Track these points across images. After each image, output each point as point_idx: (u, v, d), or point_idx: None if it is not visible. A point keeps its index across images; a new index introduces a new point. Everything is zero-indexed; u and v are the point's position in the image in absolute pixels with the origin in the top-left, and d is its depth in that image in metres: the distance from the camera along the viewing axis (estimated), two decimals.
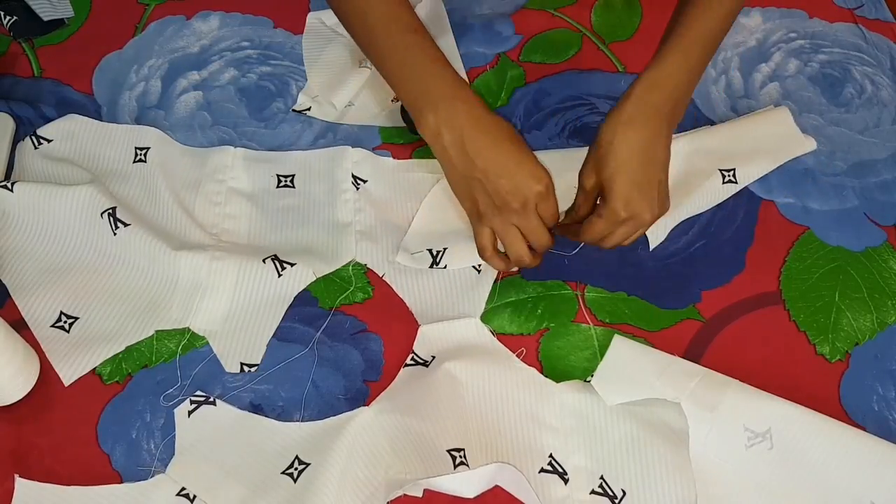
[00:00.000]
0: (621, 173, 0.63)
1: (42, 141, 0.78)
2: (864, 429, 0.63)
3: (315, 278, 0.70)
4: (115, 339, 0.67)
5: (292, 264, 0.70)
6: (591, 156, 0.65)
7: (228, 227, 0.74)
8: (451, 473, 0.58)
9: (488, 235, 0.66)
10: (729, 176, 0.76)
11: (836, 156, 0.80)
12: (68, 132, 0.79)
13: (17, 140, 0.79)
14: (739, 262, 0.73)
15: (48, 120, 0.80)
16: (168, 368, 0.66)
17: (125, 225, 0.70)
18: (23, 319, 0.68)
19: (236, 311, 0.68)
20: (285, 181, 0.77)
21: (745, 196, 0.77)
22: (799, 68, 0.87)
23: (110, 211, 0.71)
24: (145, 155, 0.78)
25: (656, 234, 0.74)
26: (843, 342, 0.69)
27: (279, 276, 0.70)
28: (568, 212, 0.69)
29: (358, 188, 0.76)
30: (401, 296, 0.70)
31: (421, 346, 0.67)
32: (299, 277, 0.70)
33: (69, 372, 0.65)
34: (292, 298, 0.69)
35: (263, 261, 0.70)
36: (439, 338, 0.67)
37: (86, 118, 0.80)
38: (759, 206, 0.76)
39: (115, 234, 0.71)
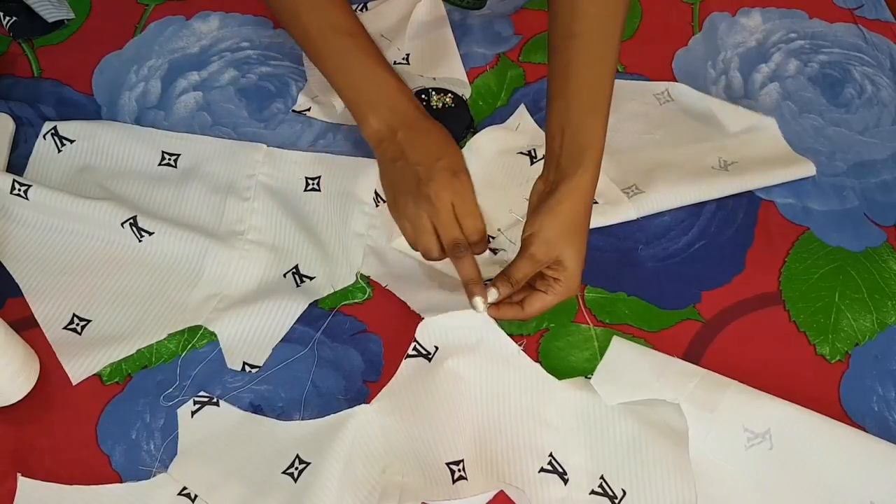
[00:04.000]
0: (581, 249, 0.63)
1: (65, 142, 0.78)
2: (864, 429, 0.63)
3: (332, 291, 0.70)
4: (126, 342, 0.67)
5: (311, 278, 0.71)
6: (553, 227, 0.62)
7: (255, 224, 0.74)
8: (450, 492, 0.58)
9: (407, 229, 0.67)
10: (723, 164, 0.77)
11: (836, 156, 0.80)
12: (91, 132, 0.79)
13: (17, 139, 0.79)
14: (739, 263, 0.73)
15: (48, 120, 0.80)
16: (168, 369, 0.66)
17: (149, 234, 0.71)
18: (23, 319, 0.68)
19: (251, 312, 0.68)
20: (312, 184, 0.77)
21: (745, 196, 0.77)
22: (799, 69, 0.87)
23: (131, 221, 0.71)
24: (175, 161, 0.78)
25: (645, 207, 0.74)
26: (843, 343, 0.69)
27: (297, 286, 0.71)
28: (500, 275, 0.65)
29: (378, 206, 0.75)
30: (405, 300, 0.70)
31: (423, 336, 0.66)
32: (316, 289, 0.71)
33: (78, 371, 0.65)
34: (306, 306, 0.69)
35: (284, 275, 0.71)
36: (442, 328, 0.66)
37: (112, 122, 0.81)
38: (759, 207, 0.76)
39: (140, 242, 0.71)
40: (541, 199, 0.64)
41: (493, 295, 0.64)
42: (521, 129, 0.80)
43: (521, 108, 0.81)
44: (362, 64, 0.67)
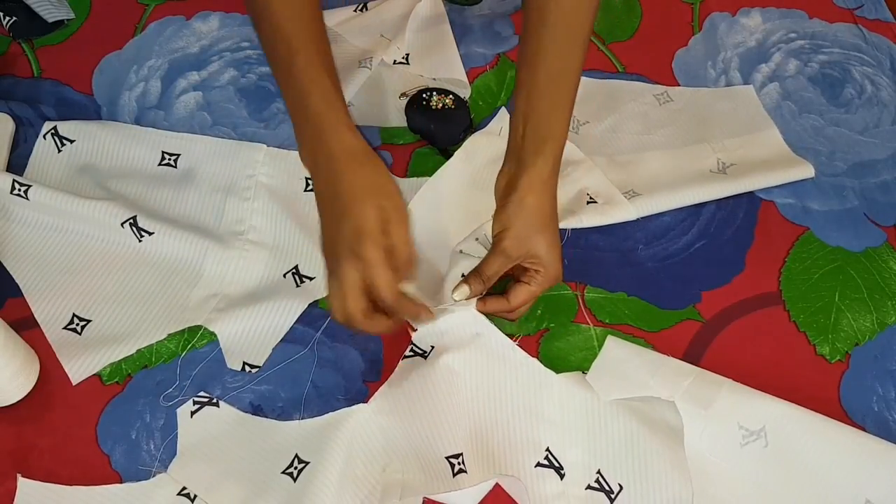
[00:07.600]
0: (553, 237, 0.63)
1: (65, 142, 0.78)
2: (863, 429, 0.63)
3: None
4: (126, 342, 0.67)
5: (311, 278, 0.71)
6: (521, 222, 0.62)
7: (256, 224, 0.74)
8: (451, 485, 0.58)
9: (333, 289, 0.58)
10: (722, 166, 0.77)
11: (836, 156, 0.80)
12: (91, 132, 0.79)
13: (17, 139, 0.79)
14: (739, 263, 0.73)
15: (48, 120, 0.80)
16: (168, 369, 0.66)
17: (149, 234, 0.71)
18: (23, 319, 0.68)
19: (251, 312, 0.68)
20: (313, 184, 0.77)
21: (745, 196, 0.77)
22: (799, 68, 0.87)
23: (131, 221, 0.71)
24: (175, 161, 0.78)
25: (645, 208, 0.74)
26: (843, 342, 0.69)
27: (297, 286, 0.71)
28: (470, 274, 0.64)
29: None
30: None
31: (419, 338, 0.66)
32: (316, 289, 0.70)
33: (78, 371, 0.65)
34: (306, 306, 0.69)
35: (284, 276, 0.71)
36: (437, 329, 0.66)
37: (112, 122, 0.81)
38: (759, 207, 0.76)
39: (140, 242, 0.71)
40: (505, 194, 0.64)
41: (464, 291, 0.63)
42: (504, 132, 0.80)
43: (502, 111, 0.81)
44: (300, 87, 0.60)
